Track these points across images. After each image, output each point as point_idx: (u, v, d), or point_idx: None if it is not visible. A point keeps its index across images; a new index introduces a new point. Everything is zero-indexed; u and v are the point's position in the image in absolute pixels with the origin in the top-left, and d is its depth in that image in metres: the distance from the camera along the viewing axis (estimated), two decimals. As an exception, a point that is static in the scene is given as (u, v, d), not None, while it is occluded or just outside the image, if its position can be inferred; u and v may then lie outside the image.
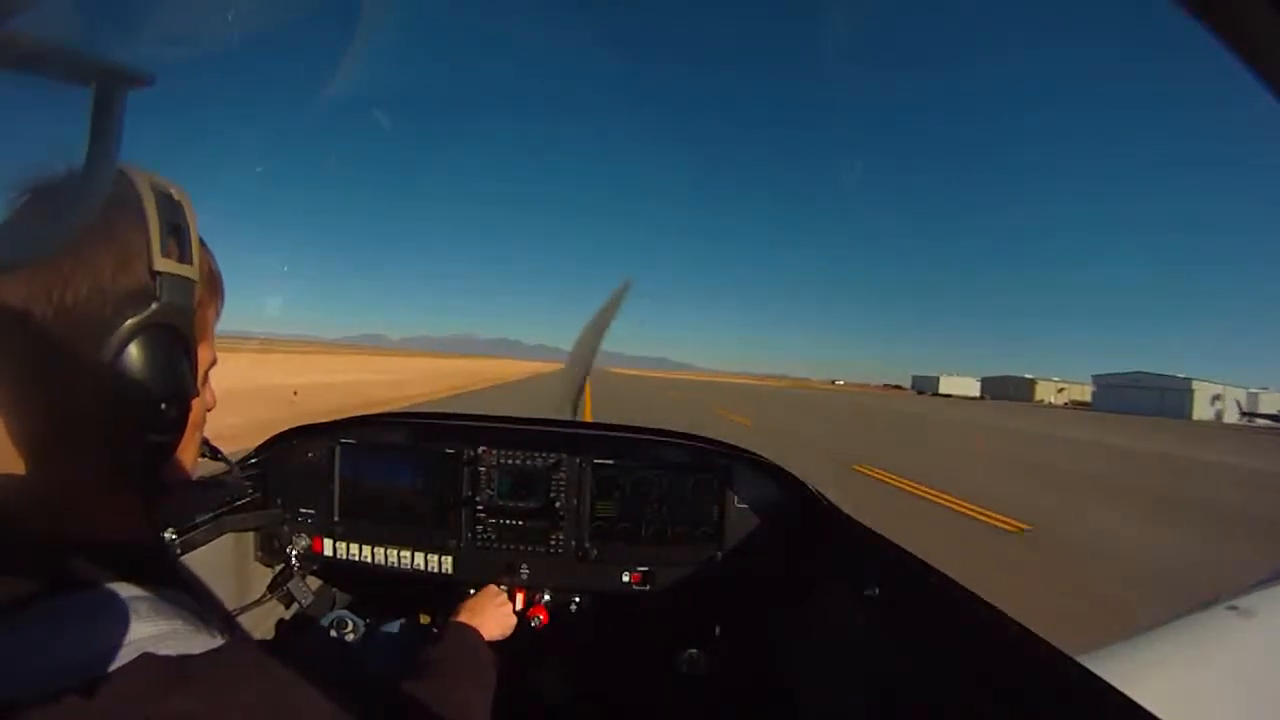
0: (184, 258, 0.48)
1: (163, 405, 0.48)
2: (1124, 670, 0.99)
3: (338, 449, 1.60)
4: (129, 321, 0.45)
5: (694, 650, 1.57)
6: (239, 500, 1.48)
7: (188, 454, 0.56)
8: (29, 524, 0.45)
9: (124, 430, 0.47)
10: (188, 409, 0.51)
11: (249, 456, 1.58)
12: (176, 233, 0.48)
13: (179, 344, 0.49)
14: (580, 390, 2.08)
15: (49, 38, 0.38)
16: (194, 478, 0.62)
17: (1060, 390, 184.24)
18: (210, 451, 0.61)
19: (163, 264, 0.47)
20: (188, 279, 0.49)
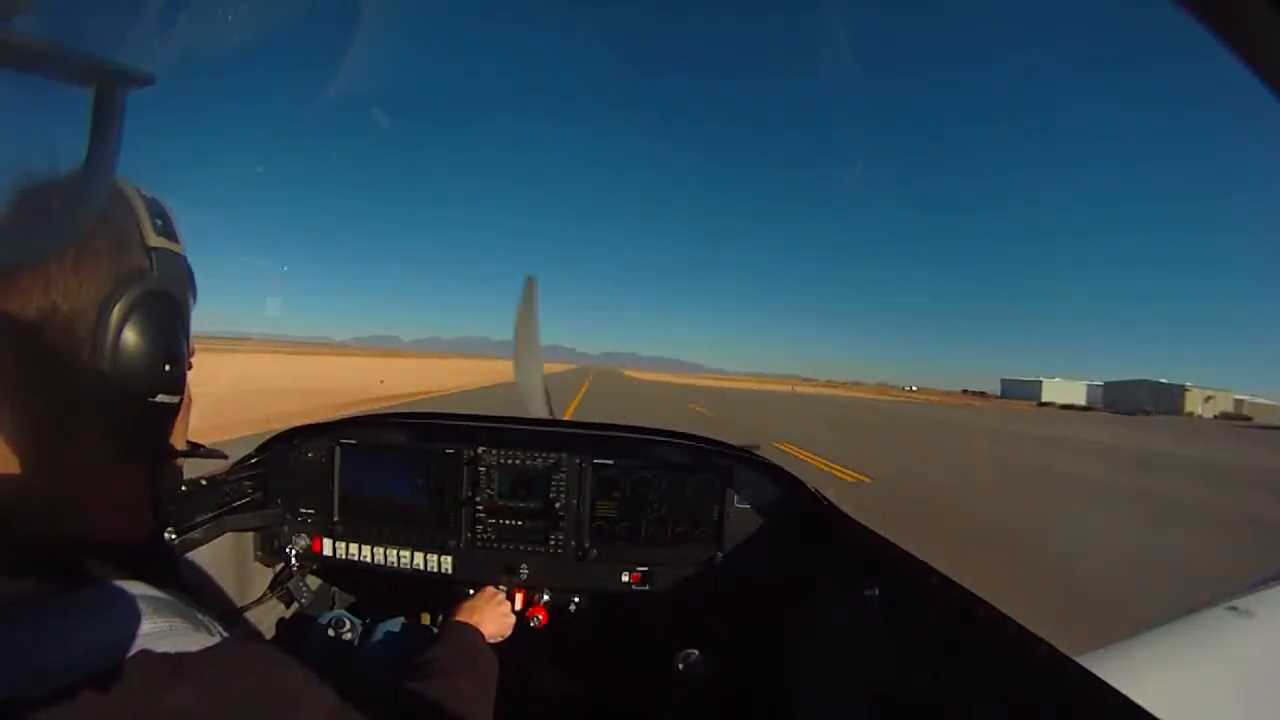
0: (173, 238, 0.52)
1: (167, 366, 0.51)
2: (1124, 670, 0.99)
3: (337, 449, 1.60)
4: (130, 292, 0.47)
5: (694, 650, 1.57)
6: (239, 500, 1.48)
7: (181, 429, 0.58)
8: (29, 521, 0.45)
9: (131, 394, 0.49)
10: (186, 373, 0.55)
11: (249, 456, 1.58)
12: (164, 217, 0.52)
13: (176, 312, 0.52)
14: (549, 403, 2.08)
15: (49, 38, 0.38)
16: (188, 469, 0.63)
17: (1208, 399, 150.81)
18: (192, 446, 0.62)
19: (156, 241, 0.50)
20: (179, 254, 0.53)
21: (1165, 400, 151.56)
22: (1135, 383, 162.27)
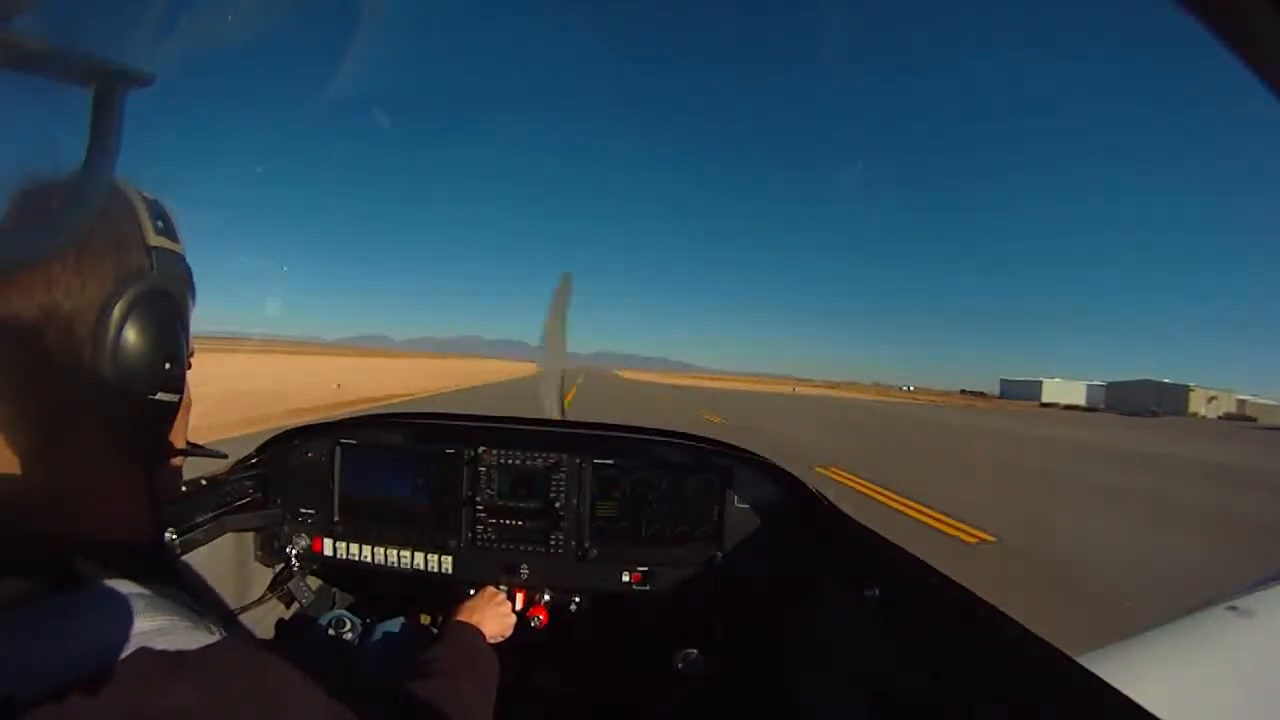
0: (173, 238, 0.53)
1: (167, 365, 0.51)
2: (1124, 670, 0.99)
3: (338, 449, 1.60)
4: (130, 291, 0.47)
5: (694, 650, 1.57)
6: (239, 500, 1.48)
7: (181, 429, 0.58)
8: (29, 521, 0.45)
9: (131, 393, 0.49)
10: (186, 372, 0.55)
11: (249, 456, 1.58)
12: (164, 218, 0.52)
13: (176, 311, 0.52)
14: (561, 398, 2.10)
15: (49, 38, 0.38)
16: (188, 469, 0.63)
17: (1211, 399, 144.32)
18: (192, 447, 0.62)
19: (156, 240, 0.50)
20: (179, 254, 0.53)
21: (1169, 401, 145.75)
22: (1138, 383, 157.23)
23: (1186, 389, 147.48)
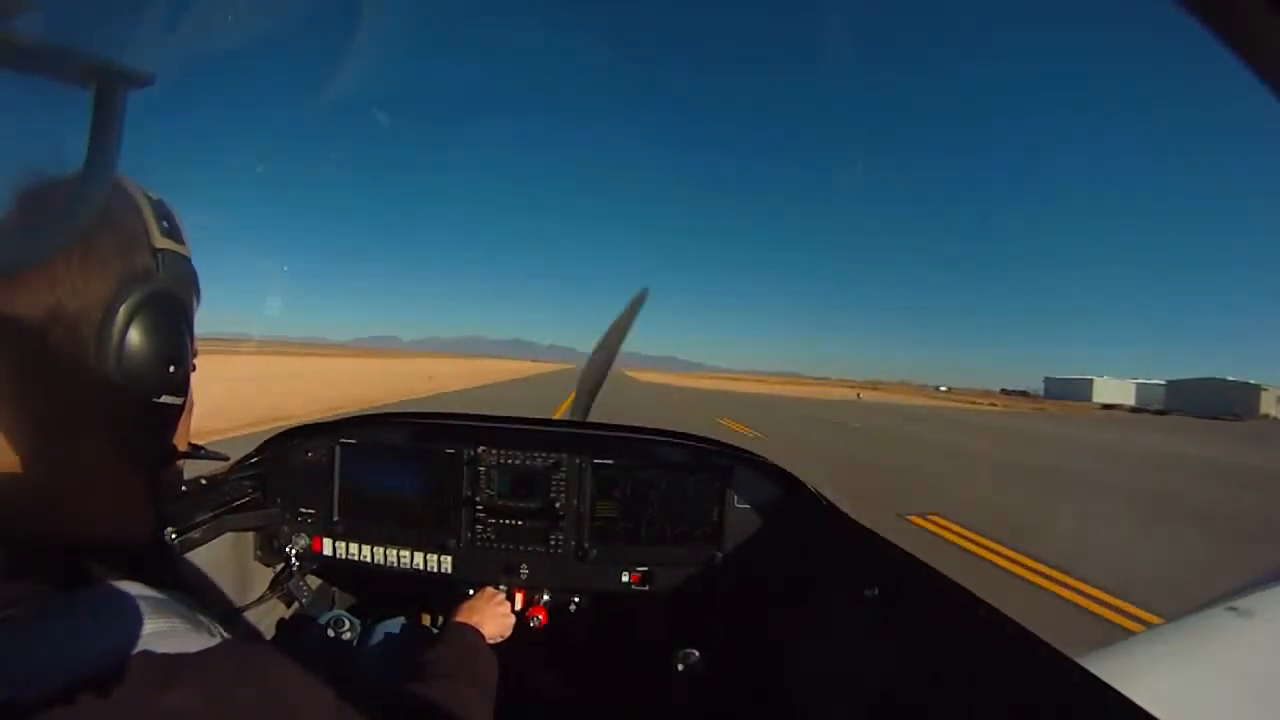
0: (178, 239, 0.52)
1: (171, 368, 0.51)
2: (1124, 670, 0.99)
3: (337, 449, 1.60)
4: (136, 294, 0.47)
5: (694, 650, 1.57)
6: (238, 499, 1.48)
7: (183, 431, 0.58)
8: (30, 521, 0.45)
9: (135, 396, 0.49)
10: (190, 375, 0.55)
11: (249, 456, 1.58)
12: (169, 219, 0.52)
13: (181, 314, 0.52)
14: (592, 395, 2.05)
15: (49, 38, 0.39)
16: (188, 469, 0.63)
17: None
18: (194, 448, 0.62)
19: (162, 243, 0.50)
20: (185, 257, 0.53)
21: (1239, 401, 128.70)
22: (1202, 381, 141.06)
23: (1257, 388, 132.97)
